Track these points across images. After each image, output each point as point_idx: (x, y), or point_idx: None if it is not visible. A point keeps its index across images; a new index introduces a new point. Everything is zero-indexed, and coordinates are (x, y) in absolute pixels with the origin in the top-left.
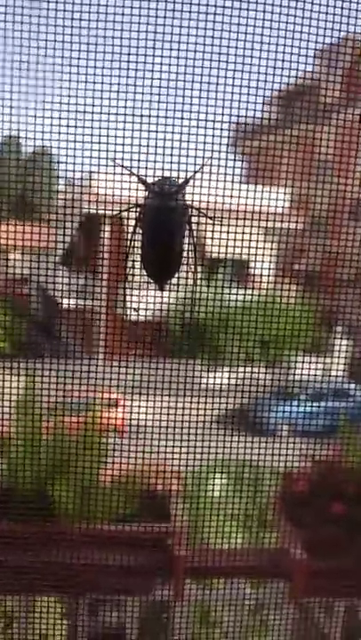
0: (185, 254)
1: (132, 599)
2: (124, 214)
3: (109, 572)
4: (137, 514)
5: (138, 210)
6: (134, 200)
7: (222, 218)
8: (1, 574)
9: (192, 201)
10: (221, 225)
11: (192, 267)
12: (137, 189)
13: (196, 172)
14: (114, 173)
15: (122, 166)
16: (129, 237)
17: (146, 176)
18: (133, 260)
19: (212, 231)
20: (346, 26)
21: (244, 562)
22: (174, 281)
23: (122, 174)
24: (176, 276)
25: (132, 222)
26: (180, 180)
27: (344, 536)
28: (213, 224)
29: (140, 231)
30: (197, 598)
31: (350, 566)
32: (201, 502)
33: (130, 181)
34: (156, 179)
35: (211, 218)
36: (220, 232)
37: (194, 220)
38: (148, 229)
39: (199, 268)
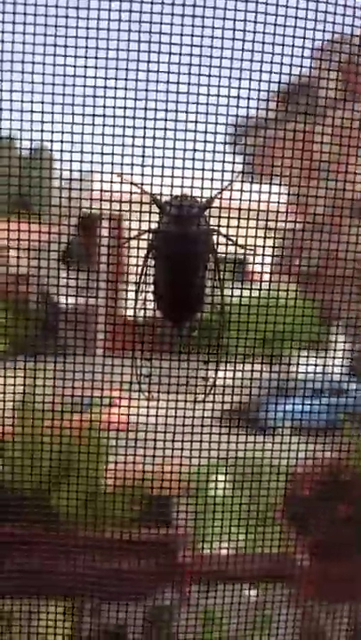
0: (208, 290)
1: (135, 604)
2: (136, 210)
3: (112, 576)
4: (140, 516)
5: (150, 238)
6: (131, 198)
7: (255, 247)
8: (2, 577)
9: (218, 226)
10: (247, 250)
11: (217, 306)
12: (130, 190)
13: (222, 189)
14: (112, 173)
15: (131, 183)
16: (139, 272)
17: (160, 195)
18: (145, 300)
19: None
20: (343, 23)
21: (248, 565)
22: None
23: (121, 174)
24: (197, 318)
25: (143, 252)
26: (201, 200)
27: (349, 538)
28: (245, 253)
29: (153, 263)
30: (202, 602)
31: (356, 569)
32: (204, 504)
33: (131, 182)
34: (172, 197)
35: (241, 246)
36: (219, 230)
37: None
38: (162, 260)
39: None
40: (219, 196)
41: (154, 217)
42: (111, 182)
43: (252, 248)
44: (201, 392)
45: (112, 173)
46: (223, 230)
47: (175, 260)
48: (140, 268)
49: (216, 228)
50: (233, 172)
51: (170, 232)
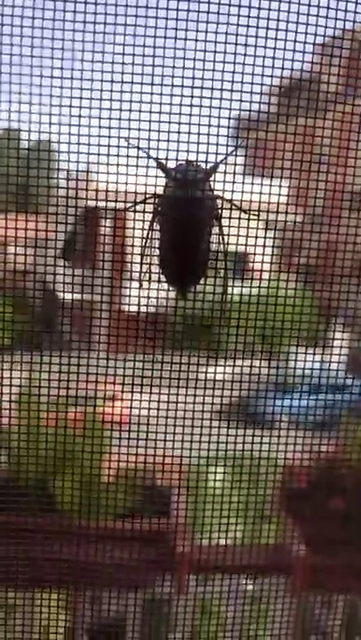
0: (211, 255)
1: (133, 594)
2: (140, 206)
3: (110, 567)
4: (139, 508)
5: (156, 201)
6: (136, 190)
7: (259, 211)
8: (1, 567)
9: (222, 190)
10: (250, 219)
11: (220, 271)
12: (136, 182)
13: (227, 154)
14: (108, 164)
15: (137, 147)
16: (144, 235)
17: (166, 160)
18: (150, 263)
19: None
20: (345, 17)
21: (245, 557)
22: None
23: (127, 165)
24: (201, 282)
25: (149, 216)
26: (207, 166)
27: (344, 530)
28: (249, 218)
29: (159, 227)
30: (199, 593)
31: (351, 561)
32: (202, 496)
33: (135, 174)
34: (178, 163)
35: (245, 211)
36: (224, 196)
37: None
38: (168, 225)
39: (229, 272)
40: (224, 162)
41: (149, 207)
42: (108, 174)
43: (256, 213)
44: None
45: (119, 138)
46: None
47: (180, 224)
48: (144, 233)
49: (221, 193)
50: (237, 145)
51: (175, 196)
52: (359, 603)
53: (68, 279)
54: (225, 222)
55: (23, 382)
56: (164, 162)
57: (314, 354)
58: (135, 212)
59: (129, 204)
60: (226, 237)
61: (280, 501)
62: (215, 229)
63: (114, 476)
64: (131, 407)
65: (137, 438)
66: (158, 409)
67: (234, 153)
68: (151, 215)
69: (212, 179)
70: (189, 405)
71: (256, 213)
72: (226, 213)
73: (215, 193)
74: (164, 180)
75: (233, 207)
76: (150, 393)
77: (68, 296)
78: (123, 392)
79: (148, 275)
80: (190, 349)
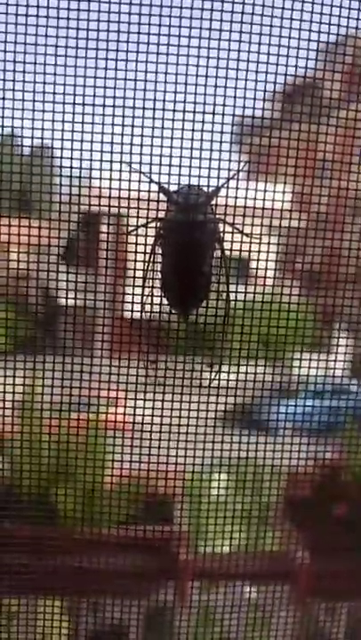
0: (214, 279)
1: (135, 601)
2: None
3: (112, 575)
4: (141, 515)
5: (158, 225)
6: (137, 196)
7: (261, 235)
8: (2, 575)
9: (225, 214)
10: (251, 242)
11: (223, 293)
12: (138, 187)
13: (229, 178)
14: (111, 170)
15: (140, 172)
16: (147, 259)
17: (168, 184)
18: (152, 287)
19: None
20: (347, 22)
21: (248, 565)
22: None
23: (120, 170)
24: (203, 305)
25: (151, 240)
26: (209, 189)
27: (347, 538)
28: (250, 242)
29: (161, 251)
30: (201, 601)
31: (354, 568)
32: (204, 503)
33: (133, 179)
34: (179, 187)
35: (247, 235)
36: (226, 219)
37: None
38: (170, 249)
39: (231, 295)
40: (225, 186)
41: (153, 214)
42: (111, 179)
43: (258, 236)
44: (207, 378)
45: (121, 162)
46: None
47: (182, 248)
48: (147, 256)
49: (223, 216)
50: (239, 161)
51: (177, 220)
52: None
53: (70, 284)
54: (228, 228)
55: (23, 388)
56: (166, 186)
57: (318, 360)
58: (138, 217)
59: (131, 228)
60: (228, 261)
61: (283, 508)
62: (217, 253)
63: (116, 484)
64: (134, 414)
65: (139, 446)
66: (161, 415)
67: (235, 176)
68: (153, 239)
69: (213, 202)
70: (193, 412)
71: (258, 236)
72: (229, 211)
73: (217, 216)
74: (166, 205)
75: (235, 231)
76: (153, 400)
77: (70, 301)
78: (126, 398)
79: (150, 298)
80: (193, 357)
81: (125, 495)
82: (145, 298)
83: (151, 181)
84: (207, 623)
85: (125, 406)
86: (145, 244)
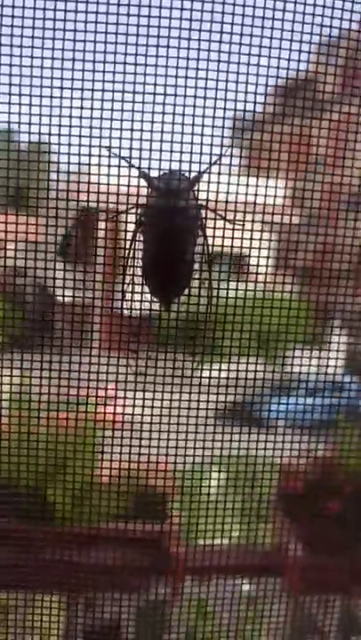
0: (196, 266)
1: (128, 597)
2: (123, 215)
3: (106, 570)
4: (134, 510)
5: (138, 212)
6: (134, 192)
7: (244, 221)
8: None
9: (207, 200)
10: (235, 225)
11: (205, 281)
12: (138, 183)
13: (211, 164)
14: (109, 165)
15: (119, 157)
16: (127, 246)
17: (148, 169)
18: (133, 275)
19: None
20: (341, 18)
21: (241, 559)
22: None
23: (119, 166)
24: (185, 293)
25: (132, 227)
26: (191, 175)
27: (341, 532)
28: (233, 228)
29: (142, 238)
30: (195, 594)
31: (347, 562)
32: (199, 498)
33: (130, 175)
34: (162, 173)
35: (230, 221)
36: (215, 227)
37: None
38: (151, 236)
39: (214, 283)
40: (207, 171)
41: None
42: (106, 175)
43: (241, 223)
44: (190, 367)
45: (100, 147)
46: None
47: (164, 234)
48: (128, 243)
49: (204, 202)
50: (221, 146)
51: (158, 206)
52: (355, 603)
53: (65, 280)
54: (220, 224)
55: (16, 384)
56: (146, 171)
57: (311, 356)
58: (127, 213)
59: (111, 215)
60: (210, 248)
61: (277, 503)
62: (200, 239)
63: (110, 479)
64: (132, 411)
65: (138, 439)
66: (160, 413)
67: (218, 161)
68: (134, 225)
69: (195, 188)
70: (187, 408)
71: (241, 223)
72: (222, 206)
73: (199, 202)
74: (147, 190)
75: (217, 217)
76: (150, 397)
77: (64, 295)
78: (115, 396)
79: (131, 286)
80: (184, 352)
81: (120, 491)
82: (126, 287)
83: (131, 166)
84: (201, 617)
85: (124, 404)
86: (125, 231)
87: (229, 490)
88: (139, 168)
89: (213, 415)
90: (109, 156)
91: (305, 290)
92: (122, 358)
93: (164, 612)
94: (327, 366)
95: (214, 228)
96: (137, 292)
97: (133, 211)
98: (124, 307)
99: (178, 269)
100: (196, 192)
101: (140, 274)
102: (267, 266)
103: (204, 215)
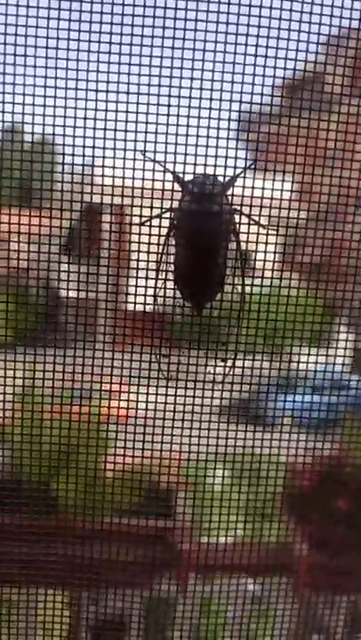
0: (229, 271)
1: (136, 592)
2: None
3: (113, 566)
4: (141, 506)
5: (172, 215)
6: (141, 186)
7: (278, 227)
8: (3, 566)
9: (241, 205)
10: (268, 234)
11: (238, 287)
12: (143, 177)
13: (245, 168)
14: (114, 157)
15: (153, 160)
16: (160, 250)
17: (183, 173)
18: (165, 279)
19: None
20: (350, 16)
21: (248, 556)
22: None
23: (124, 166)
24: (218, 298)
25: (165, 230)
26: (224, 179)
27: (347, 530)
28: (267, 234)
29: (174, 242)
30: (201, 592)
31: (354, 561)
32: (206, 494)
33: (134, 172)
34: (194, 176)
35: (263, 226)
36: (241, 210)
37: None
38: (184, 240)
39: (247, 288)
40: (241, 176)
41: (157, 203)
42: (113, 175)
43: (273, 227)
44: (220, 373)
45: (134, 151)
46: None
47: (197, 238)
48: (160, 247)
49: (238, 207)
50: (246, 149)
51: (191, 210)
52: None
53: (71, 275)
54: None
55: (23, 378)
56: (180, 175)
57: (317, 354)
58: (141, 208)
59: (144, 219)
60: (244, 252)
61: (283, 501)
62: (232, 244)
63: (117, 475)
64: (136, 406)
65: (143, 435)
66: (164, 407)
67: (252, 166)
68: (167, 229)
69: (229, 192)
70: (194, 404)
71: (275, 228)
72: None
73: (233, 207)
74: (180, 194)
75: (251, 222)
76: (155, 392)
77: (71, 292)
78: (120, 391)
79: (163, 290)
80: (207, 350)
81: (126, 486)
82: (157, 290)
83: (166, 170)
84: (207, 614)
85: (128, 399)
86: (149, 235)
87: (235, 487)
88: (174, 172)
89: (219, 411)
90: (144, 160)
91: (312, 286)
92: (133, 354)
93: (171, 608)
94: (334, 364)
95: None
96: (168, 296)
97: (167, 215)
98: (140, 301)
99: (210, 274)
100: (229, 196)
101: (171, 278)
102: (273, 262)
103: (237, 220)
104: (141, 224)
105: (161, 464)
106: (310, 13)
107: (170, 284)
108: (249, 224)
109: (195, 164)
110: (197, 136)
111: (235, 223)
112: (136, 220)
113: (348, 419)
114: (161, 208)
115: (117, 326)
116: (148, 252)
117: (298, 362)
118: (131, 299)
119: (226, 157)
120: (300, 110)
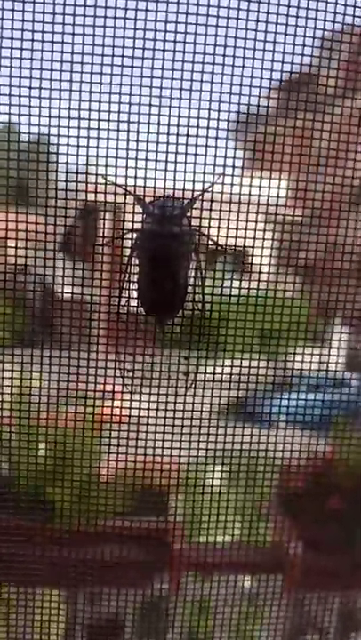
0: (190, 289)
1: (130, 592)
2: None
3: (107, 567)
4: (136, 506)
5: (134, 237)
6: (133, 191)
7: (235, 248)
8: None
9: (199, 226)
10: (226, 254)
11: (198, 304)
12: (135, 183)
13: (204, 190)
14: (96, 174)
15: (114, 184)
16: (123, 270)
17: (143, 196)
18: (129, 297)
19: (212, 226)
20: (344, 14)
21: (241, 556)
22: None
23: (116, 167)
24: (179, 315)
25: (127, 251)
26: (184, 201)
27: (340, 530)
28: (225, 255)
29: (137, 262)
30: (195, 591)
31: (347, 560)
32: (200, 495)
33: (115, 184)
34: (156, 198)
35: (222, 247)
36: (220, 223)
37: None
38: (145, 261)
39: (207, 305)
40: (200, 198)
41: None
42: (105, 176)
43: (233, 248)
44: (182, 386)
45: (97, 174)
46: (211, 230)
47: (157, 259)
48: (123, 267)
49: (198, 228)
50: (217, 174)
51: (152, 231)
52: (354, 600)
53: (67, 276)
54: (225, 215)
55: (18, 381)
56: (142, 197)
57: (312, 354)
58: (134, 212)
59: (107, 240)
60: (203, 272)
61: (277, 500)
62: (193, 264)
63: (111, 476)
64: (130, 407)
65: (136, 438)
66: (157, 408)
67: (210, 188)
68: (129, 250)
69: (188, 214)
70: (189, 405)
71: (232, 248)
72: (225, 207)
73: (192, 228)
74: (142, 216)
75: (210, 243)
76: (148, 393)
77: (67, 294)
78: (113, 392)
79: (126, 307)
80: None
81: (121, 488)
82: (121, 308)
83: (127, 192)
84: (201, 614)
85: (121, 398)
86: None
87: (231, 488)
88: (134, 194)
89: (217, 410)
90: (105, 184)
91: (307, 288)
92: (128, 356)
93: (166, 608)
94: (327, 363)
95: (219, 227)
96: (132, 313)
97: (128, 236)
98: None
99: (171, 293)
100: (189, 217)
101: (134, 297)
102: (269, 264)
103: (197, 240)
104: (103, 245)
105: (156, 465)
106: (305, 18)
107: (133, 302)
108: (207, 245)
109: (194, 164)
110: (197, 136)
111: (195, 244)
112: (137, 218)
113: (342, 415)
114: (122, 229)
115: (111, 329)
116: (120, 272)
117: (293, 361)
118: (124, 301)
119: (225, 157)
120: (296, 111)
